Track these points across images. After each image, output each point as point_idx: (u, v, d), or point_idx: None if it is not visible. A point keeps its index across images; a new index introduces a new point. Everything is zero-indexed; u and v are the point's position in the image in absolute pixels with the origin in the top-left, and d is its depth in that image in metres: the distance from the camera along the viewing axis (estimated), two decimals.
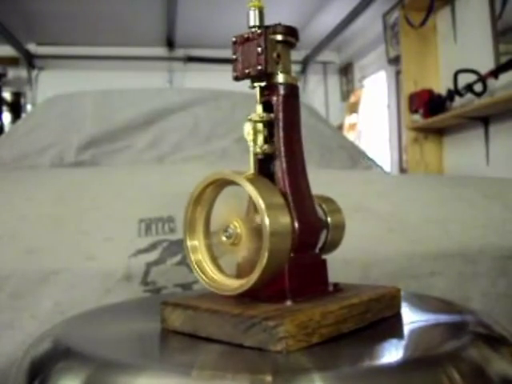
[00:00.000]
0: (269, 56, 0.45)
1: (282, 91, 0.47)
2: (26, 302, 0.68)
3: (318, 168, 1.37)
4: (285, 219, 0.41)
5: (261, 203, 0.39)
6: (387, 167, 3.72)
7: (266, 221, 0.39)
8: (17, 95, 4.43)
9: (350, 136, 4.16)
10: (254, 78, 0.47)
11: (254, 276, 0.40)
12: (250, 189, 0.40)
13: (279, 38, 0.46)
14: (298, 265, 0.44)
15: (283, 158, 0.46)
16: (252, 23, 0.46)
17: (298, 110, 0.48)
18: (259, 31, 0.45)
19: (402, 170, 3.66)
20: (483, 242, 0.84)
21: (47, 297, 0.69)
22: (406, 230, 0.84)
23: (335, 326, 0.40)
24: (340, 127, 4.41)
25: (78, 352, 0.39)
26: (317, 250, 0.48)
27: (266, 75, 0.46)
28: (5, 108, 4.32)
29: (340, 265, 0.74)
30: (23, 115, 4.21)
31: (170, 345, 0.43)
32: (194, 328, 0.42)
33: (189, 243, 0.46)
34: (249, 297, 0.43)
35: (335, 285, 0.47)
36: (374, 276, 0.77)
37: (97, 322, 0.50)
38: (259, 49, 0.45)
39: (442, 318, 0.48)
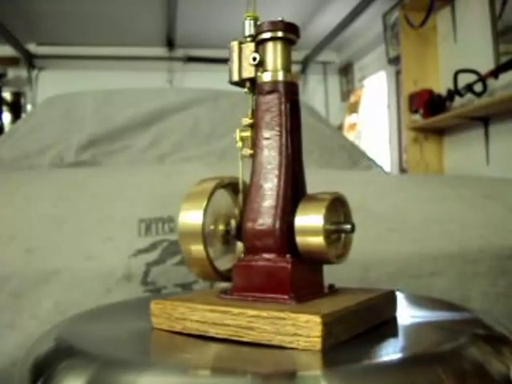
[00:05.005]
0: (238, 63, 0.47)
1: (261, 91, 0.47)
2: (26, 301, 0.68)
3: (317, 168, 1.37)
4: (195, 222, 0.46)
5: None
6: (387, 167, 3.72)
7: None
8: (17, 95, 4.43)
9: (350, 136, 4.16)
10: (240, 86, 0.49)
11: None
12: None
13: (265, 36, 0.47)
14: (245, 266, 0.45)
15: (254, 159, 0.47)
16: (247, 33, 0.48)
17: (276, 107, 0.46)
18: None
19: (402, 170, 3.66)
20: (483, 242, 0.84)
21: (47, 297, 0.69)
22: (405, 230, 0.84)
23: (202, 325, 0.42)
24: (340, 127, 4.41)
25: (81, 351, 0.39)
26: (285, 255, 0.44)
27: (248, 80, 0.48)
28: (5, 108, 4.32)
29: (339, 265, 0.74)
30: (23, 115, 4.21)
31: (173, 343, 0.43)
32: None
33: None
34: None
35: (294, 296, 0.43)
36: (373, 276, 0.77)
37: (99, 321, 0.50)
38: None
39: (443, 317, 0.48)
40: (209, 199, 0.47)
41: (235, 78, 0.48)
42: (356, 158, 1.67)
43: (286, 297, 0.42)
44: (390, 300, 0.47)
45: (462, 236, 0.84)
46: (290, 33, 0.47)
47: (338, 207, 0.47)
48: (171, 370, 0.35)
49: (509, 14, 2.43)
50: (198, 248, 0.46)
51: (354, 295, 0.45)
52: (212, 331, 0.41)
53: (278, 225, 0.44)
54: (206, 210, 0.46)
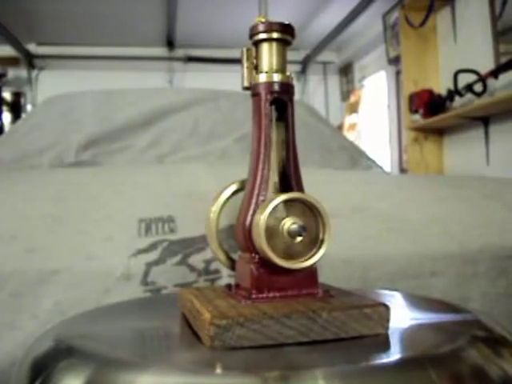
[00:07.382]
0: (246, 69, 0.48)
1: (256, 92, 0.47)
2: (26, 301, 0.68)
3: (318, 168, 1.37)
4: (211, 220, 0.52)
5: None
6: (387, 167, 3.72)
7: None
8: (17, 95, 4.42)
9: (350, 136, 4.15)
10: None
11: None
12: None
13: (260, 37, 0.47)
14: (239, 263, 0.49)
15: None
16: None
17: (264, 108, 0.46)
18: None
19: (402, 170, 3.66)
20: (483, 242, 0.84)
21: (47, 297, 0.69)
22: (406, 230, 0.84)
23: (188, 313, 0.47)
24: (340, 127, 4.41)
25: (80, 350, 0.39)
26: (255, 255, 0.45)
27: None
28: (5, 108, 4.31)
29: (339, 265, 0.74)
30: (23, 115, 4.21)
31: (172, 343, 0.43)
32: None
33: None
34: None
35: (249, 296, 0.44)
36: (373, 276, 0.77)
37: (98, 322, 0.50)
38: None
39: (442, 318, 0.48)
40: (228, 198, 0.52)
41: (246, 83, 0.48)
42: (356, 158, 1.67)
43: (246, 295, 0.44)
44: (371, 315, 0.41)
45: (462, 236, 0.84)
46: (284, 33, 0.46)
47: (301, 208, 0.45)
48: (170, 370, 0.35)
49: (509, 13, 2.43)
50: (213, 244, 0.52)
51: (325, 303, 0.42)
52: (191, 319, 0.45)
53: (247, 225, 0.45)
54: (219, 209, 0.52)
